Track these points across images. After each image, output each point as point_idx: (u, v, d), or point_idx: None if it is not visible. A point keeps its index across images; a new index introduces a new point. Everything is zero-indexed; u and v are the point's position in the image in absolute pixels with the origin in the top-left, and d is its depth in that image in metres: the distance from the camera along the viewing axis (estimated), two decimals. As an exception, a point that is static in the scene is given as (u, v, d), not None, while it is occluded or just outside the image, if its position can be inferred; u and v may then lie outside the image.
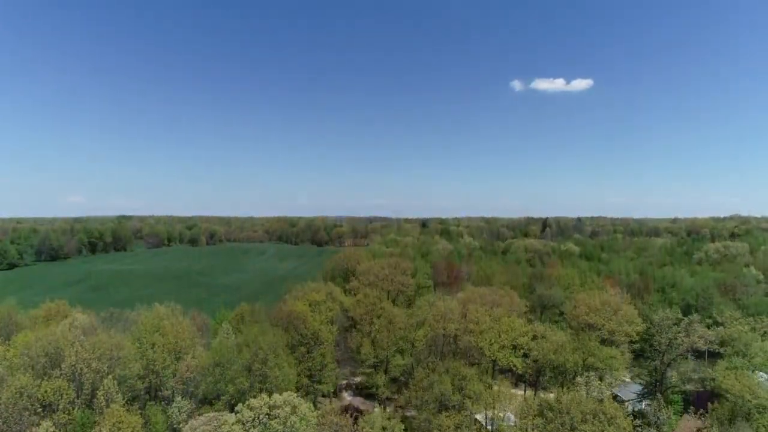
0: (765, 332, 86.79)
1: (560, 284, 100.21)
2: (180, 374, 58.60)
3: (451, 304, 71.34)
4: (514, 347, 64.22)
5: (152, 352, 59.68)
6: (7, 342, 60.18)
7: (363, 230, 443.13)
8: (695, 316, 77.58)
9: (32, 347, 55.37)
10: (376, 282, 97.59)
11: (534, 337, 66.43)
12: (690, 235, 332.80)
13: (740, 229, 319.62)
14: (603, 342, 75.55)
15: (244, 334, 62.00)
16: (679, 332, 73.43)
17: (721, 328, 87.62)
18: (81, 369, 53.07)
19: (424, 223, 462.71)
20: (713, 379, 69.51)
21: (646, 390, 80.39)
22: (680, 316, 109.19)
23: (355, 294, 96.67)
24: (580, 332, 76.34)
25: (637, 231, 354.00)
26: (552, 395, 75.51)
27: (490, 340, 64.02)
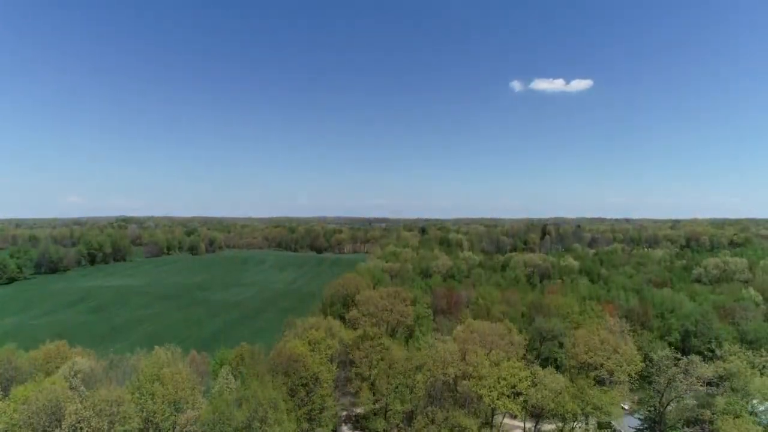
0: (764, 366, 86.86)
1: (559, 313, 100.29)
2: (180, 427, 58.66)
3: (450, 346, 71.35)
4: (514, 394, 64.26)
5: (152, 403, 59.68)
6: (6, 397, 60.11)
7: (362, 236, 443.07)
8: (694, 356, 77.51)
9: (32, 402, 55.39)
10: (375, 312, 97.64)
11: (533, 383, 66.46)
12: (689, 243, 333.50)
13: (739, 236, 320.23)
14: (602, 382, 75.84)
15: (244, 386, 61.93)
16: (678, 373, 73.49)
17: (720, 361, 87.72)
18: (81, 428, 53.14)
19: (423, 229, 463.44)
20: (712, 422, 69.77)
21: (645, 426, 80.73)
22: (679, 345, 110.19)
23: (354, 326, 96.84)
24: (580, 372, 76.59)
25: (636, 238, 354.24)
26: (552, 427, 75.88)
27: (490, 387, 64.08)
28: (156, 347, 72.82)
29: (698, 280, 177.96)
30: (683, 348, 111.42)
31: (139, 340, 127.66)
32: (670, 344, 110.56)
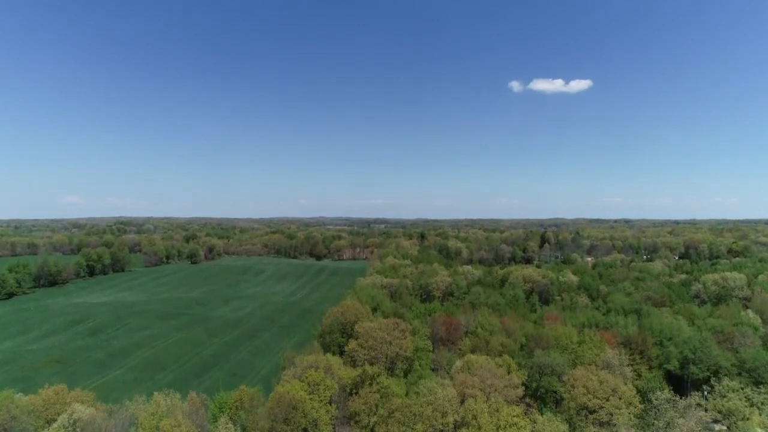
0: (763, 403, 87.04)
1: (558, 345, 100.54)
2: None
3: (449, 392, 71.47)
4: (513, 445, 64.33)
5: (151, 459, 59.79)
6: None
7: (361, 242, 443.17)
8: (696, 397, 77.69)
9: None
10: (374, 345, 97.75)
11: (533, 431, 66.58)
12: (688, 251, 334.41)
13: (738, 244, 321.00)
14: (602, 424, 76.06)
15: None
16: (676, 417, 73.63)
17: (719, 398, 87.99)
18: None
19: (422, 235, 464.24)
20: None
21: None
22: (678, 372, 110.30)
23: (353, 359, 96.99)
24: (579, 414, 76.85)
25: (635, 246, 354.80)
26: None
27: (488, 437, 64.16)
28: (155, 394, 72.82)
29: (697, 296, 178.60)
30: (682, 375, 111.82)
31: (139, 365, 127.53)
32: (669, 372, 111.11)
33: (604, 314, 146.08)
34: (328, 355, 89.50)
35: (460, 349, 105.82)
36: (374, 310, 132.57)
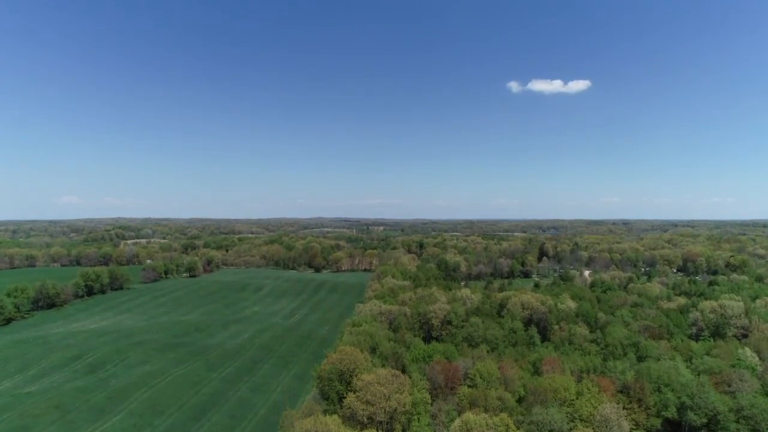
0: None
1: (557, 398, 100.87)
2: None
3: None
4: None
5: None
6: None
7: (360, 253, 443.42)
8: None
9: None
10: (373, 401, 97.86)
11: None
12: (686, 264, 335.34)
13: (736, 258, 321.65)
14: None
15: None
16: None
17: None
18: None
19: (421, 245, 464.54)
20: None
21: None
22: (676, 418, 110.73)
23: (353, 413, 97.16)
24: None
25: (633, 258, 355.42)
26: None
27: None
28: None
29: (695, 324, 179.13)
30: (680, 422, 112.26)
31: (137, 409, 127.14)
32: (667, 420, 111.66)
33: (601, 349, 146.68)
34: (327, 417, 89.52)
35: (459, 400, 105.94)
36: (373, 350, 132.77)
